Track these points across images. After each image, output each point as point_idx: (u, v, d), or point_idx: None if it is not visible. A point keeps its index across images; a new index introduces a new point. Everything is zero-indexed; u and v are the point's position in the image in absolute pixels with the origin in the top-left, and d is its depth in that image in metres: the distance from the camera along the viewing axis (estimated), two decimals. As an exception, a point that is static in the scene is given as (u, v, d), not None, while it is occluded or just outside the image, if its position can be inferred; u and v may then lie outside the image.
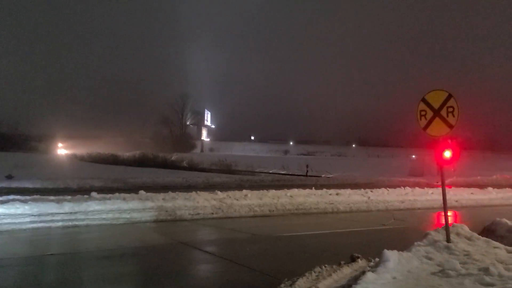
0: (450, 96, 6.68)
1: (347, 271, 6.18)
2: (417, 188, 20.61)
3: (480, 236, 6.86)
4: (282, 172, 42.88)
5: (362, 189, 18.75)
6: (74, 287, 5.76)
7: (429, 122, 6.88)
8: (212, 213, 12.80)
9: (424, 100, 6.91)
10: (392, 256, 5.68)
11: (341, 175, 37.88)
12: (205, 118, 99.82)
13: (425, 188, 21.25)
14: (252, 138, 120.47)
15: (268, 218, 12.98)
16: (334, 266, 6.66)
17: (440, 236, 6.72)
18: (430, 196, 18.60)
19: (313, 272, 6.21)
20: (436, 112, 6.78)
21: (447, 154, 27.39)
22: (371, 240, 9.55)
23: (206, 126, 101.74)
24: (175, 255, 7.79)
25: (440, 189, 22.15)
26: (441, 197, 19.36)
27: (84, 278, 6.16)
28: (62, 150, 65.09)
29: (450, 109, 6.65)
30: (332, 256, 7.51)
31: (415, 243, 6.52)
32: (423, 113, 6.94)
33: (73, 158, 52.01)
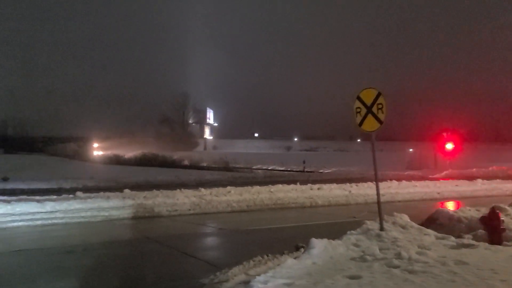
0: (379, 94, 7.07)
1: (284, 259, 6.61)
2: (404, 182, 20.92)
3: (414, 225, 7.24)
4: (281, 169, 43.30)
5: (348, 184, 19.11)
6: (24, 277, 6.27)
7: (363, 119, 7.28)
8: (190, 210, 13.25)
9: (358, 98, 7.31)
10: (318, 243, 6.09)
11: (338, 170, 38.19)
12: (208, 116, 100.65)
13: (412, 181, 21.57)
14: (256, 135, 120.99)
15: (245, 213, 13.40)
16: (277, 255, 7.12)
17: (375, 225, 7.12)
18: (413, 189, 18.94)
19: (251, 260, 6.65)
20: (369, 109, 7.17)
21: (449, 146, 27.39)
22: (331, 231, 9.82)
23: (209, 124, 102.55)
24: (134, 248, 8.29)
25: (427, 182, 22.48)
26: (424, 190, 19.76)
27: (37, 270, 6.66)
28: (98, 151, 63.64)
29: (380, 106, 7.03)
30: (284, 247, 7.89)
31: (348, 231, 6.94)
32: (358, 110, 7.33)
33: (78, 159, 52.72)
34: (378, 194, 7.50)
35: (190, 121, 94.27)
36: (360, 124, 7.36)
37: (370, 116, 7.15)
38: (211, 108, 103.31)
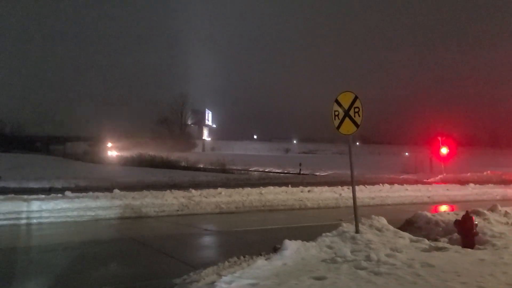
0: (356, 97, 7.12)
1: (259, 261, 6.65)
2: (396, 185, 20.96)
3: (390, 227, 7.28)
4: (277, 171, 43.38)
5: (339, 186, 19.16)
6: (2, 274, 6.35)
7: (341, 122, 7.33)
8: (178, 210, 13.27)
9: (337, 101, 7.36)
10: (291, 245, 6.13)
11: (334, 173, 38.27)
12: (206, 117, 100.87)
13: (405, 185, 21.60)
14: (255, 137, 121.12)
15: (233, 214, 13.41)
16: (253, 256, 7.16)
17: (351, 228, 7.16)
18: (404, 192, 18.97)
19: (226, 261, 6.68)
20: (346, 112, 7.23)
21: (444, 150, 27.62)
22: (314, 233, 9.95)
23: (207, 125, 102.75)
24: (115, 248, 8.30)
25: (419, 186, 22.51)
26: (415, 193, 19.77)
27: (13, 268, 6.71)
28: (112, 151, 62.61)
29: (356, 109, 7.08)
30: (265, 248, 7.93)
31: (323, 233, 6.98)
32: (336, 113, 7.38)
33: (74, 159, 52.68)
34: (354, 196, 7.54)
35: (189, 122, 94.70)
36: (338, 127, 7.41)
37: (347, 119, 7.21)
38: (209, 109, 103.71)
